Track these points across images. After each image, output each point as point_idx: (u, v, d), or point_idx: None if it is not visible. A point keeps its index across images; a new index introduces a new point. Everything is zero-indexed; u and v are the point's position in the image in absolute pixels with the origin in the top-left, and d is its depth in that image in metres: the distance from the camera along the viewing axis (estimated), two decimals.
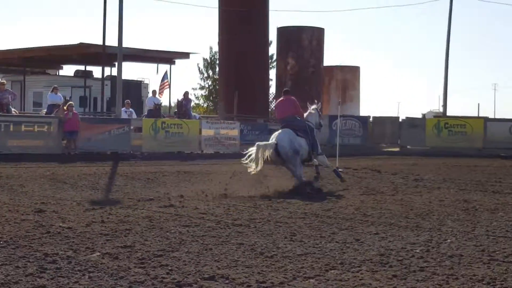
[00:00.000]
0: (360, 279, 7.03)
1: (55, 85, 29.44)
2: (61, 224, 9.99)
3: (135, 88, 39.17)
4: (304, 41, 37.74)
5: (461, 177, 19.49)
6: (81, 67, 39.62)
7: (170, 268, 7.37)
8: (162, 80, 36.61)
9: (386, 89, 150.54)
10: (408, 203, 13.31)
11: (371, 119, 34.50)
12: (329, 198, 13.90)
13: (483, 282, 6.96)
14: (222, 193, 14.13)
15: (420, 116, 47.33)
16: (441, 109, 44.78)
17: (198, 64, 56.59)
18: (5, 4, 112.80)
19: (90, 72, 39.80)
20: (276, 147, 15.39)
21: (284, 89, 19.24)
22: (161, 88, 36.07)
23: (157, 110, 30.82)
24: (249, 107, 33.98)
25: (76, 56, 38.26)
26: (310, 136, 16.10)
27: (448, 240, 9.27)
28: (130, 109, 30.45)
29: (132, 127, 28.07)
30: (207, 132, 29.12)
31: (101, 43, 32.79)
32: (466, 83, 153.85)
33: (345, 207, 12.56)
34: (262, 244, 8.76)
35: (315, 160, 16.54)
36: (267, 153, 15.30)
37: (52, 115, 27.00)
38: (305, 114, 16.78)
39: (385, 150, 33.56)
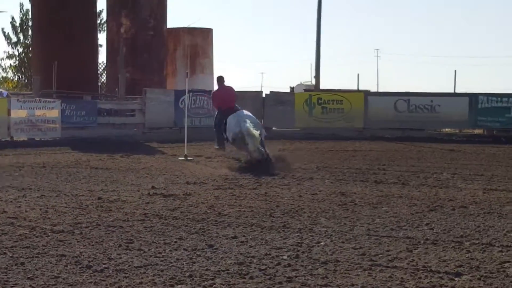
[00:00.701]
0: None
1: None
2: None
3: None
4: None
5: (337, 164, 20.01)
6: None
7: None
8: None
9: (245, 57, 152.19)
10: (273, 198, 13.53)
11: None
12: (175, 195, 13.91)
13: None
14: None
15: (288, 90, 48.15)
16: (314, 81, 45.78)
17: (3, 29, 54.95)
18: None
19: None
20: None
21: (219, 75, 22.50)
22: None
23: None
24: (72, 80, 33.38)
25: None
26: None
27: (322, 243, 9.50)
28: None
29: None
30: (18, 113, 28.37)
31: None
32: (344, 49, 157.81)
33: (196, 205, 12.62)
34: (89, 255, 8.67)
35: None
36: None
37: None
38: None
39: None
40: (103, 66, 43.87)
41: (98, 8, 42.82)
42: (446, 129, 35.10)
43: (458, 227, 10.70)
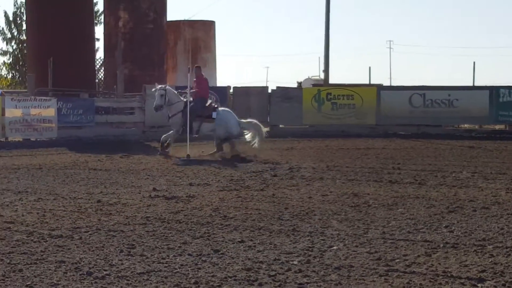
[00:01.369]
0: None
1: None
2: None
3: None
4: None
5: (349, 164, 19.99)
6: None
7: None
8: None
9: (249, 50, 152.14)
10: (282, 199, 13.53)
11: (231, 90, 34.69)
12: (178, 197, 13.91)
13: None
14: None
15: (295, 85, 48.17)
16: (322, 76, 45.74)
17: None
18: None
19: None
20: None
21: (197, 65, 24.75)
22: None
23: None
24: (69, 77, 33.41)
25: None
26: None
27: (334, 247, 9.49)
28: None
29: None
30: (13, 112, 28.43)
31: None
32: (354, 41, 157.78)
33: (200, 208, 12.62)
34: (90, 261, 8.67)
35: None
36: None
37: None
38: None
39: None
40: (101, 62, 43.90)
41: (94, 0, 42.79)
42: (465, 125, 35.00)
43: (480, 230, 10.67)
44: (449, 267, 8.44)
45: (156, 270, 8.32)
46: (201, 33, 44.21)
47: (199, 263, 8.66)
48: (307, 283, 7.78)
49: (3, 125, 28.10)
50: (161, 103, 22.58)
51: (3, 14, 54.59)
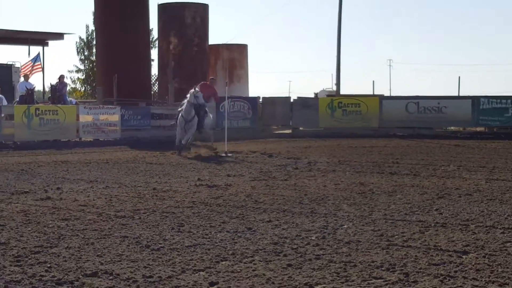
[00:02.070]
0: (253, 270, 7.08)
1: None
2: None
3: (5, 72, 37.90)
4: (187, 18, 37.55)
5: (357, 159, 19.91)
6: None
7: (49, 265, 7.22)
8: (34, 62, 35.59)
9: (276, 67, 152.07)
10: (302, 187, 13.49)
11: (260, 100, 34.61)
12: (218, 185, 13.90)
13: (382, 268, 7.13)
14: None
15: (312, 95, 48.05)
16: (335, 88, 45.63)
17: (76, 43, 55.38)
18: None
19: None
20: None
21: (212, 78, 25.31)
22: (33, 71, 35.07)
23: (30, 96, 29.93)
24: (130, 90, 33.51)
25: None
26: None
27: (345, 226, 9.46)
28: (0, 95, 29.51)
29: (2, 115, 27.23)
30: (85, 118, 28.54)
31: None
32: (360, 59, 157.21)
33: (236, 194, 12.61)
34: (147, 237, 8.69)
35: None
36: None
37: None
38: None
39: (277, 132, 33.83)
40: (155, 78, 44.04)
41: (151, 31, 42.95)
42: (452, 128, 34.70)
43: (464, 212, 10.60)
44: (439, 242, 8.39)
45: (200, 243, 8.31)
46: (236, 54, 44.17)
47: (235, 238, 8.65)
48: (323, 254, 7.75)
49: (78, 128, 28.29)
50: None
51: (79, 39, 54.79)
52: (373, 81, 59.20)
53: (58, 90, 30.74)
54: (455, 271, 7.01)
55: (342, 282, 6.66)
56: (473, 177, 15.09)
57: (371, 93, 38.32)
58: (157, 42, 43.42)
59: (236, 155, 21.06)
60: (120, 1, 34.84)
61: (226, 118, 24.53)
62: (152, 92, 40.16)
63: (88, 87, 54.77)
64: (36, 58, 35.94)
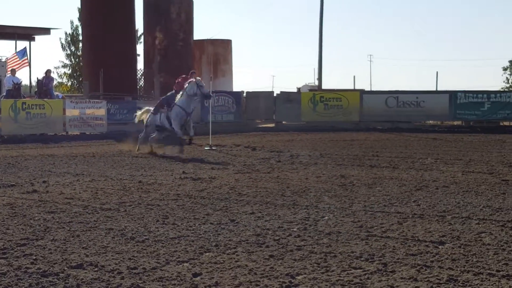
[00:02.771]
0: (236, 261, 7.09)
1: None
2: None
3: None
4: (172, 14, 37.50)
5: (338, 152, 19.96)
6: None
7: (34, 257, 7.21)
8: (22, 57, 35.42)
9: (259, 62, 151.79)
10: (284, 180, 13.52)
11: (244, 94, 34.62)
12: (202, 178, 13.91)
13: (361, 259, 7.16)
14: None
15: (295, 90, 48.06)
16: (317, 82, 45.68)
17: (60, 39, 55.22)
18: None
19: None
20: None
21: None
22: (20, 67, 34.91)
23: (16, 90, 29.80)
24: (116, 84, 33.48)
25: None
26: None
27: (326, 217, 9.48)
28: None
29: None
30: (72, 112, 28.51)
31: None
32: (342, 55, 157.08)
33: (219, 187, 12.62)
34: (132, 229, 8.69)
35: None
36: None
37: None
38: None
39: (260, 126, 33.88)
40: (141, 72, 43.94)
41: (137, 26, 42.80)
42: (430, 121, 34.86)
43: (441, 204, 10.64)
44: (416, 232, 8.43)
45: (184, 235, 8.32)
46: (220, 49, 44.11)
47: (218, 230, 8.66)
48: (304, 245, 7.77)
49: (64, 122, 28.23)
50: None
51: (64, 34, 54.61)
52: (354, 76, 58.94)
53: (44, 85, 30.62)
54: (432, 261, 7.06)
55: (323, 272, 6.69)
56: (450, 170, 15.17)
57: (352, 87, 38.35)
58: (142, 37, 43.36)
59: (220, 149, 21.07)
60: (105, 1, 34.72)
61: (211, 112, 24.49)
62: (138, 87, 40.08)
63: (75, 81, 54.60)
64: (24, 53, 35.79)
